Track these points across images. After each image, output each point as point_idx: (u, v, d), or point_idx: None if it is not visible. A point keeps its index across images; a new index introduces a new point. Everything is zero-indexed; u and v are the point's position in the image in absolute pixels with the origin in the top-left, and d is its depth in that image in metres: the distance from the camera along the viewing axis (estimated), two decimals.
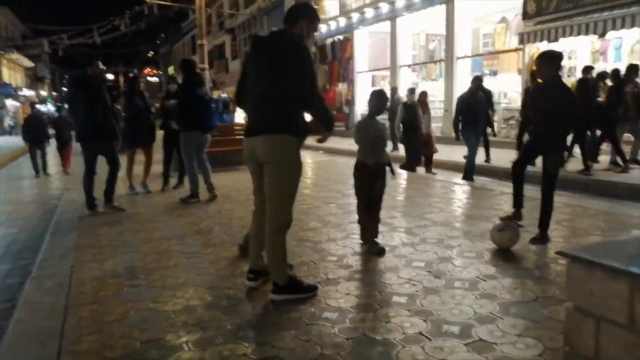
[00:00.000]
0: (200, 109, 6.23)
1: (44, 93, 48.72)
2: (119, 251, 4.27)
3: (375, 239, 4.04)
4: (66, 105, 10.03)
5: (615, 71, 8.11)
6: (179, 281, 3.48)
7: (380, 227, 4.69)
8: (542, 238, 4.19)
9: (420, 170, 9.00)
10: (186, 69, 6.43)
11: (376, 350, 2.40)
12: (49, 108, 35.59)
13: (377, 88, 4.66)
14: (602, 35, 9.77)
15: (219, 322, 2.78)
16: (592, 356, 1.68)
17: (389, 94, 13.07)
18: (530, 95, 5.07)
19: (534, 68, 8.08)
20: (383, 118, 6.49)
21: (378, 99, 4.11)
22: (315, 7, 19.92)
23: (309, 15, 3.12)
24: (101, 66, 5.81)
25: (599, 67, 10.64)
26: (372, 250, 3.97)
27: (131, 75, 8.15)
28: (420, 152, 8.83)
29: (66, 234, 4.98)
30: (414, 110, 8.58)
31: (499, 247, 3.96)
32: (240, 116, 16.93)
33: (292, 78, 2.90)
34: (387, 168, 4.09)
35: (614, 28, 9.06)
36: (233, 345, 2.51)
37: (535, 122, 4.50)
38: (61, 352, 2.49)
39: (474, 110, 7.37)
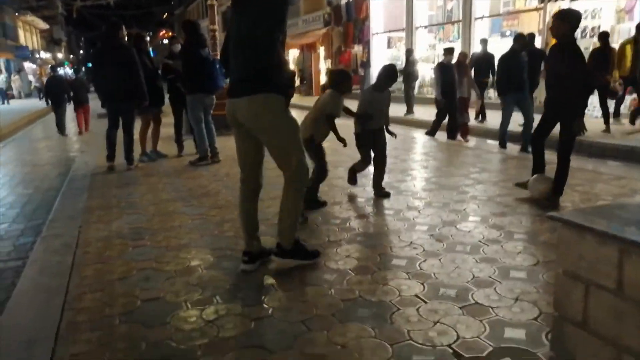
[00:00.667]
0: (205, 70, 6.17)
1: (60, 56, 48.82)
2: (126, 212, 4.34)
3: (382, 186, 4.64)
4: (89, 65, 10.37)
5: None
6: (182, 242, 3.53)
7: (387, 191, 4.68)
8: (553, 201, 4.15)
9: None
10: (189, 31, 6.32)
11: (371, 312, 2.42)
12: (65, 71, 35.70)
13: (388, 64, 4.62)
14: None
15: (218, 283, 2.83)
16: (580, 321, 1.66)
17: (403, 57, 12.81)
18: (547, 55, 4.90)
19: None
20: (398, 82, 6.28)
21: (386, 77, 4.48)
22: None
23: None
24: (124, 32, 6.12)
25: (625, 26, 10.21)
26: (379, 193, 4.58)
27: (135, 32, 7.92)
28: (457, 119, 8.10)
29: (77, 196, 5.07)
30: (450, 73, 7.92)
31: (535, 197, 4.26)
32: None
33: (266, 30, 2.69)
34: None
35: None
36: (230, 304, 2.55)
37: (548, 85, 4.35)
38: (65, 308, 2.56)
39: (516, 73, 6.63)
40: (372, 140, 4.57)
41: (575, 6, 10.55)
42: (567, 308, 1.71)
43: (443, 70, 7.99)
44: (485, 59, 9.69)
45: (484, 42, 10.11)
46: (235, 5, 2.89)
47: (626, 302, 1.50)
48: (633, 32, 8.46)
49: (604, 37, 8.22)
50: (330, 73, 4.68)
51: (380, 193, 4.58)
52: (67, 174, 6.71)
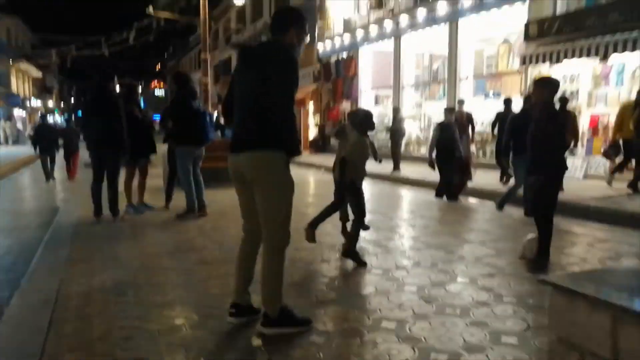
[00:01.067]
0: (195, 122, 6.21)
1: (51, 103, 49.17)
2: (110, 266, 4.24)
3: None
4: (78, 114, 10.54)
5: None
6: (166, 299, 3.43)
7: (375, 249, 4.68)
8: (539, 263, 4.16)
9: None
10: (180, 82, 6.45)
11: None
12: (55, 119, 35.91)
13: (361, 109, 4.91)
14: (604, 58, 9.78)
15: (203, 343, 2.74)
16: None
17: (391, 114, 13.16)
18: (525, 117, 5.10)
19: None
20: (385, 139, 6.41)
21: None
22: (320, 23, 20.16)
23: (299, 22, 2.87)
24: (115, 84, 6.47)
25: (601, 91, 10.66)
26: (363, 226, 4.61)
27: (127, 82, 8.04)
28: (454, 179, 7.88)
29: (59, 247, 4.96)
30: (450, 131, 7.79)
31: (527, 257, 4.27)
32: None
33: (278, 90, 2.70)
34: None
35: (615, 51, 9.06)
36: None
37: (527, 144, 4.44)
38: None
39: (525, 134, 6.49)
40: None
41: (554, 71, 11.06)
42: None
43: (443, 129, 7.89)
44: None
45: (461, 102, 10.92)
46: (244, 60, 2.90)
47: None
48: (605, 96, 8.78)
49: (563, 101, 8.48)
50: (349, 115, 4.72)
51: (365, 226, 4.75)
52: (50, 224, 6.59)
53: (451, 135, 7.84)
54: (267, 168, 2.76)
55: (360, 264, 4.18)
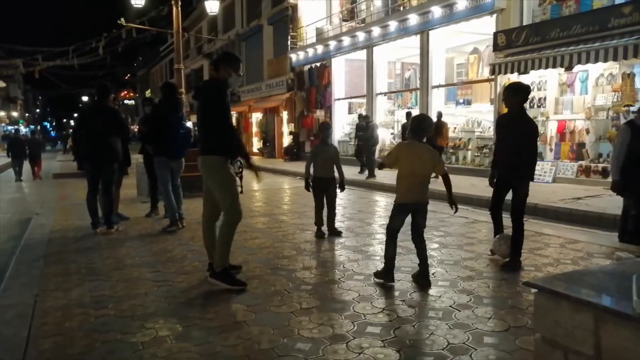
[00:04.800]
0: (169, 134, 6.11)
1: (15, 114, 47.75)
2: (87, 279, 4.15)
3: (335, 227, 5.70)
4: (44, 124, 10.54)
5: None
6: (148, 311, 3.39)
7: (356, 255, 4.72)
8: (513, 264, 4.27)
9: None
10: (164, 93, 6.37)
11: None
12: (21, 129, 34.96)
13: (325, 121, 5.26)
14: (568, 68, 10.15)
15: (188, 354, 2.71)
16: None
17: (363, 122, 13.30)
18: (496, 123, 5.17)
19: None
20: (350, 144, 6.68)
21: (327, 129, 5.87)
22: (292, 34, 20.29)
23: (228, 60, 3.94)
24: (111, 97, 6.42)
25: (567, 97, 11.05)
26: (334, 232, 5.63)
27: (101, 83, 7.88)
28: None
29: (32, 261, 4.82)
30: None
31: (500, 257, 4.47)
32: None
33: (212, 114, 3.84)
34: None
35: (579, 62, 9.42)
36: None
37: (499, 150, 4.61)
38: None
39: None
40: (323, 188, 5.62)
41: (523, 79, 11.40)
42: None
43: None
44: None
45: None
46: (194, 94, 4.26)
47: None
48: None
49: (439, 115, 8.93)
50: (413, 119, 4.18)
51: (336, 232, 5.64)
52: (21, 237, 6.39)
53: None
54: (209, 167, 3.88)
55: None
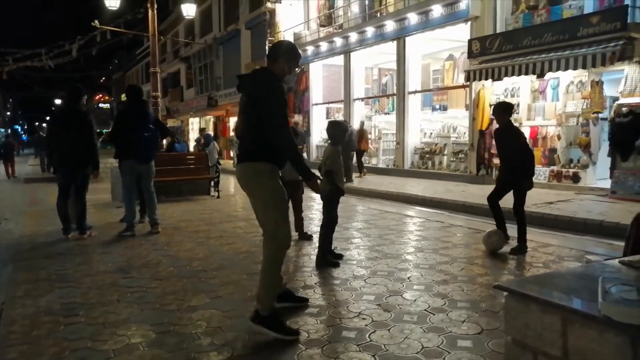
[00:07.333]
0: (134, 138, 6.02)
1: None
2: (57, 286, 4.05)
3: (304, 231, 5.77)
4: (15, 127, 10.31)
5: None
6: (121, 317, 3.32)
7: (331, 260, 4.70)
8: (520, 248, 5.00)
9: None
10: (129, 95, 6.30)
11: None
12: None
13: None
14: (540, 75, 10.39)
15: None
16: None
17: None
18: (493, 136, 6.37)
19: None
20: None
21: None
22: (270, 38, 20.25)
23: (292, 54, 3.22)
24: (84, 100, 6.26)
25: (539, 104, 11.30)
26: (303, 237, 5.70)
27: (73, 85, 7.78)
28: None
29: None
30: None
31: (489, 251, 5.00)
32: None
33: (262, 114, 3.01)
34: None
35: (550, 69, 9.65)
36: None
37: (499, 158, 5.64)
38: None
39: None
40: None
41: (497, 86, 11.68)
42: None
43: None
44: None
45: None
46: (239, 85, 3.22)
47: None
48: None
49: (361, 124, 9.99)
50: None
51: (305, 236, 5.71)
52: None
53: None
54: (253, 177, 3.05)
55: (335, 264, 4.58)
